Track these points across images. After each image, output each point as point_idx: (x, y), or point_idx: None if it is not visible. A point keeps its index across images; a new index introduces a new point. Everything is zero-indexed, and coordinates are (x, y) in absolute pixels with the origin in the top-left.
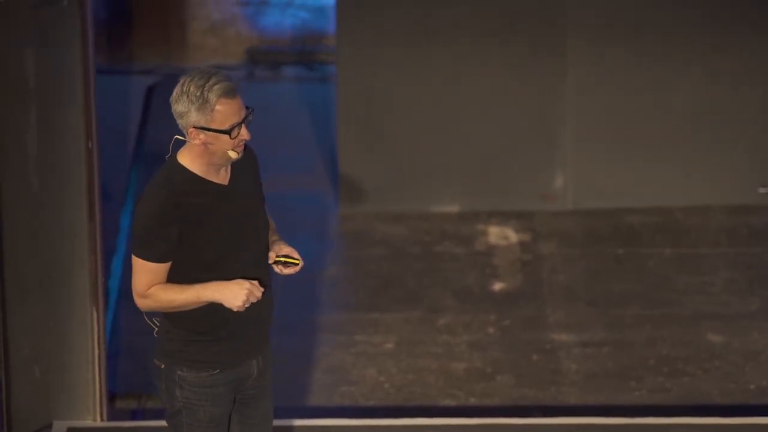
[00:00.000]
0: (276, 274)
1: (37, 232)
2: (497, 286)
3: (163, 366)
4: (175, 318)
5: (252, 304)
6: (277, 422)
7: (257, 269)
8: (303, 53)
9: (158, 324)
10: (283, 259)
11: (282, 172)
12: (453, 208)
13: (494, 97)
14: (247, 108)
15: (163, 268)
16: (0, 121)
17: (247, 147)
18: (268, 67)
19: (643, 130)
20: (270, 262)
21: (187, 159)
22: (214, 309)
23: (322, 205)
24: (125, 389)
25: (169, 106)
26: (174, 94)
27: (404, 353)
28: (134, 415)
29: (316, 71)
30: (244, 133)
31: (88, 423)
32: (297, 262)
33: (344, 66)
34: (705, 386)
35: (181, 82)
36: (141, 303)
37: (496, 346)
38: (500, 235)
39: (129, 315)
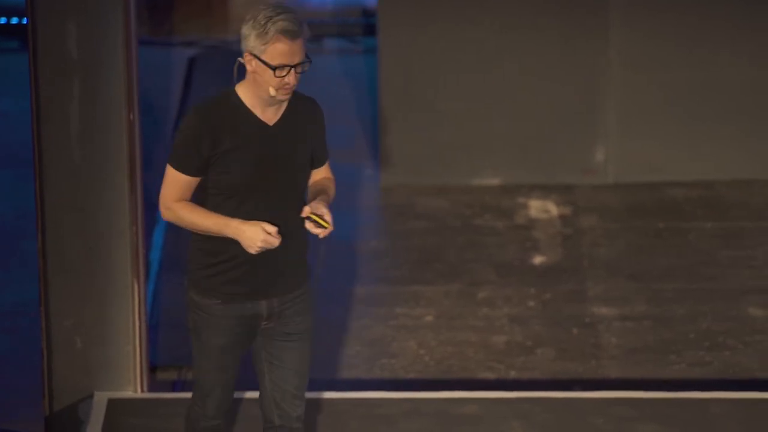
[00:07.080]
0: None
1: (78, 204)
2: (538, 260)
3: (185, 284)
4: (194, 240)
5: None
6: (316, 394)
7: (283, 215)
8: (345, 25)
9: None
10: (314, 217)
11: None
12: (494, 182)
13: (536, 71)
14: (306, 57)
15: (189, 181)
16: (42, 93)
17: (313, 102)
18: (310, 40)
19: (685, 104)
20: (302, 215)
21: (242, 87)
22: (226, 241)
23: (363, 178)
24: (166, 361)
25: (210, 78)
26: (247, 16)
27: (444, 326)
28: (175, 387)
29: (358, 44)
30: (290, 78)
31: (129, 394)
32: (326, 225)
33: (386, 38)
34: (746, 360)
35: (260, 8)
36: (164, 213)
37: (537, 319)
38: (541, 208)
39: (170, 287)
